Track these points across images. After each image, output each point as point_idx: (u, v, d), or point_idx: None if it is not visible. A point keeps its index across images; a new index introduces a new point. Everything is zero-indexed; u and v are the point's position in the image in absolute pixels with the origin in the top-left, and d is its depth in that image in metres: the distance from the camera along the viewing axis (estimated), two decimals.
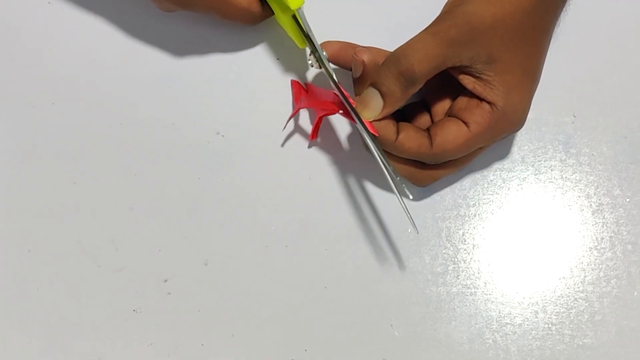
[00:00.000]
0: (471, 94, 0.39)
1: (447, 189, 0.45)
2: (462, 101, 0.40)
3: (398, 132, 0.39)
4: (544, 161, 0.45)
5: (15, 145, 0.46)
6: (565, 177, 0.45)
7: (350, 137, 0.45)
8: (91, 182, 0.45)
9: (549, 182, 0.45)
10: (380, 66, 0.38)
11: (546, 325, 0.43)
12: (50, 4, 0.48)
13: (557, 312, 0.43)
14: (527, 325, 0.43)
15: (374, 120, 0.38)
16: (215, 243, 0.45)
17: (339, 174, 0.45)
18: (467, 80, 0.38)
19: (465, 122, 0.38)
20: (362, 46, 0.41)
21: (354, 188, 0.45)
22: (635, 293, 0.43)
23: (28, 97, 0.47)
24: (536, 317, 0.43)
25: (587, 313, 0.43)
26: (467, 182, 0.45)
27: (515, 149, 0.45)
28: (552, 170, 0.45)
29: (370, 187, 0.45)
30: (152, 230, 0.45)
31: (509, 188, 0.45)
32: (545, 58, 0.40)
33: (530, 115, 0.45)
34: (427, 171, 0.41)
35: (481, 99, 0.38)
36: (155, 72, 0.47)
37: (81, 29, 0.47)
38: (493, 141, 0.40)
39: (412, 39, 0.37)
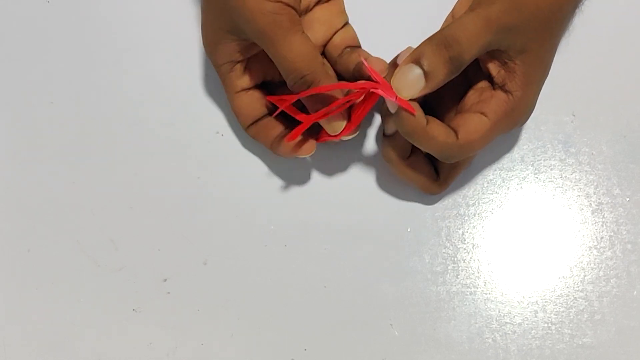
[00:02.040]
0: (482, 87, 0.39)
1: (447, 188, 0.45)
2: (473, 96, 0.40)
3: (427, 121, 0.37)
4: (544, 160, 0.45)
5: (15, 144, 0.46)
6: (565, 177, 0.45)
7: (350, 138, 0.45)
8: (90, 182, 0.46)
9: (549, 181, 0.45)
10: (427, 45, 0.36)
11: (546, 325, 0.43)
12: (50, 4, 0.48)
13: (556, 311, 0.43)
14: (527, 324, 0.43)
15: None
16: (214, 243, 0.45)
17: (339, 174, 0.45)
18: (493, 66, 0.38)
19: (482, 113, 0.38)
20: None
21: (354, 188, 0.45)
22: (635, 292, 0.43)
23: (27, 97, 0.47)
24: (536, 317, 0.43)
25: (587, 312, 0.43)
26: (466, 181, 0.45)
27: (514, 148, 0.45)
28: (551, 169, 0.45)
29: (370, 187, 0.45)
30: (151, 229, 0.45)
31: (508, 187, 0.45)
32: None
33: None
34: (441, 185, 0.42)
35: (495, 88, 0.38)
36: (155, 72, 0.47)
37: (81, 29, 0.48)
38: (506, 131, 0.40)
39: (462, 20, 0.36)
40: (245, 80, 0.41)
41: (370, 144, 0.45)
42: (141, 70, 0.47)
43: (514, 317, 0.43)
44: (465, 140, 0.38)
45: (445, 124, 0.38)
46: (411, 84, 0.36)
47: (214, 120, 0.46)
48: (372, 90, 0.36)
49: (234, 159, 0.46)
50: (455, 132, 0.38)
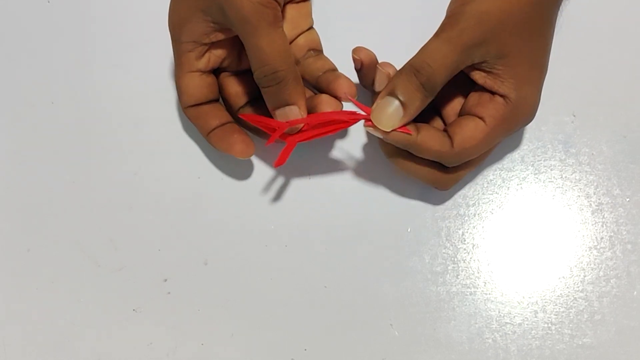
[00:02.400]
0: (482, 90, 0.39)
1: None
2: (473, 98, 0.40)
3: (418, 131, 0.38)
4: (544, 161, 0.45)
5: (15, 144, 0.46)
6: (565, 177, 0.45)
7: (350, 138, 0.45)
8: (90, 182, 0.46)
9: (549, 181, 0.45)
10: (398, 76, 0.38)
11: (546, 325, 0.43)
12: (50, 4, 0.48)
13: (556, 311, 0.43)
14: (527, 324, 0.43)
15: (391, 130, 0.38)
16: (214, 243, 0.45)
17: (339, 174, 0.45)
18: (478, 76, 0.38)
19: (480, 118, 0.38)
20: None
21: (354, 188, 0.45)
22: (635, 292, 0.43)
23: (27, 97, 0.47)
24: (536, 317, 0.43)
25: (587, 312, 0.43)
26: (466, 181, 0.45)
27: (514, 148, 0.45)
28: (551, 169, 0.45)
29: (370, 187, 0.45)
30: (151, 229, 0.45)
31: (508, 187, 0.45)
32: (550, 48, 0.40)
33: None
34: (450, 174, 0.41)
35: (493, 93, 0.38)
36: (155, 72, 0.47)
37: (81, 28, 0.48)
38: (508, 134, 0.40)
39: (426, 47, 0.37)
40: (202, 63, 0.41)
41: (370, 144, 0.45)
42: (141, 70, 0.47)
43: (514, 317, 0.43)
44: (461, 147, 0.38)
45: (439, 130, 0.39)
46: (391, 116, 0.37)
47: None
48: (364, 119, 0.38)
49: (234, 159, 0.45)
50: (451, 138, 0.38)
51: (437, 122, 0.42)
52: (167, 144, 0.46)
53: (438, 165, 0.41)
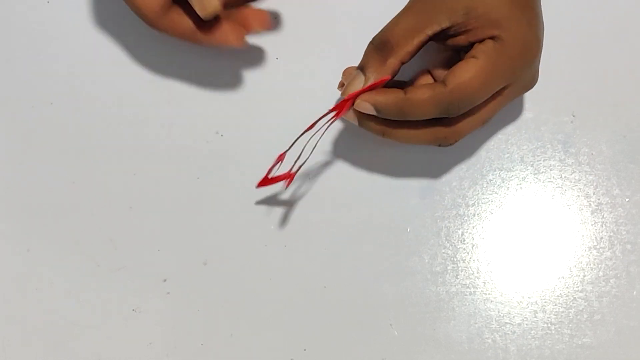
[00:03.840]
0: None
1: (447, 189, 0.45)
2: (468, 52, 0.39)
3: (406, 91, 0.38)
4: (543, 161, 0.45)
5: (14, 144, 0.46)
6: (565, 177, 0.45)
7: (349, 138, 0.45)
8: (90, 182, 0.46)
9: (548, 181, 0.45)
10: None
11: (545, 325, 0.43)
12: (50, 4, 0.48)
13: (556, 311, 0.43)
14: (527, 324, 0.43)
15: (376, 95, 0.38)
16: (214, 243, 0.45)
17: (339, 173, 0.45)
18: (459, 40, 0.38)
19: (472, 57, 0.37)
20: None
21: (354, 188, 0.45)
22: (634, 292, 0.43)
23: (27, 97, 0.47)
24: (535, 317, 0.43)
25: (586, 312, 0.43)
26: (466, 181, 0.45)
27: (514, 148, 0.45)
28: (551, 169, 0.45)
29: (370, 187, 0.45)
30: (151, 229, 0.45)
31: (508, 187, 0.45)
32: None
33: (529, 115, 0.45)
34: (451, 127, 0.39)
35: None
36: (155, 72, 0.47)
37: (80, 28, 0.48)
38: (508, 72, 0.38)
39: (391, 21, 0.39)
40: None
41: (370, 144, 0.45)
42: (141, 70, 0.47)
43: (513, 317, 0.43)
44: (454, 83, 0.36)
45: (429, 83, 0.38)
46: (354, 79, 0.39)
47: (213, 120, 0.46)
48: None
49: (234, 159, 0.46)
50: (445, 81, 0.37)
51: None
52: (167, 144, 0.46)
53: (436, 122, 0.39)
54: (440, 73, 0.40)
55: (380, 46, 0.38)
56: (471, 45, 0.38)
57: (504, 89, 0.38)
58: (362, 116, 0.39)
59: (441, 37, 0.38)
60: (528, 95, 0.46)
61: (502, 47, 0.37)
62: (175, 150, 0.46)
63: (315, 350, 0.43)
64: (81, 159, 0.46)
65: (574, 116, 0.46)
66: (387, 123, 0.39)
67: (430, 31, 0.37)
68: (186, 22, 0.40)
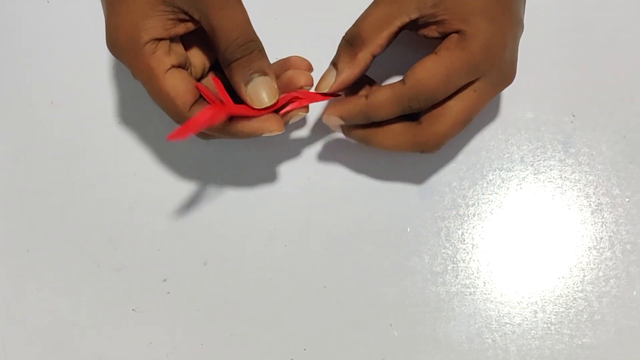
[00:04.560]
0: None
1: (447, 189, 0.45)
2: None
3: (368, 96, 0.39)
4: (543, 161, 0.45)
5: (14, 144, 0.46)
6: (565, 177, 0.45)
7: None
8: (90, 182, 0.46)
9: (548, 181, 0.45)
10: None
11: (545, 325, 0.43)
12: (49, 4, 0.48)
13: (556, 311, 0.43)
14: (526, 324, 0.43)
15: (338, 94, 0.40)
16: (214, 243, 0.45)
17: (339, 173, 0.45)
18: (430, 31, 0.38)
19: (435, 54, 0.38)
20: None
21: (353, 188, 0.45)
22: (634, 292, 0.43)
23: (27, 97, 0.47)
24: (535, 317, 0.43)
25: (586, 312, 0.43)
26: (466, 181, 0.45)
27: (514, 148, 0.45)
28: (551, 169, 0.45)
29: (370, 187, 0.45)
30: (151, 229, 0.45)
31: (508, 188, 0.45)
32: None
33: (529, 115, 0.45)
34: (429, 130, 0.39)
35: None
36: None
37: (80, 28, 0.48)
38: (470, 68, 0.38)
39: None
40: (173, 58, 0.38)
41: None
42: None
43: (513, 317, 0.43)
44: (413, 80, 0.37)
45: (390, 84, 0.39)
46: (326, 76, 0.40)
47: None
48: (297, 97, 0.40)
49: (234, 159, 0.46)
50: (404, 79, 0.38)
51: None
52: (167, 144, 0.46)
53: (410, 125, 0.40)
54: None
55: (351, 40, 0.39)
56: (442, 37, 0.38)
57: (471, 84, 0.38)
58: (344, 127, 0.41)
59: (413, 27, 0.39)
60: (528, 95, 0.46)
61: (464, 43, 0.37)
62: (175, 150, 0.46)
63: (315, 350, 0.43)
64: (81, 159, 0.46)
65: (574, 116, 0.46)
66: (367, 131, 0.40)
67: (399, 22, 0.38)
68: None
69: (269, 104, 0.38)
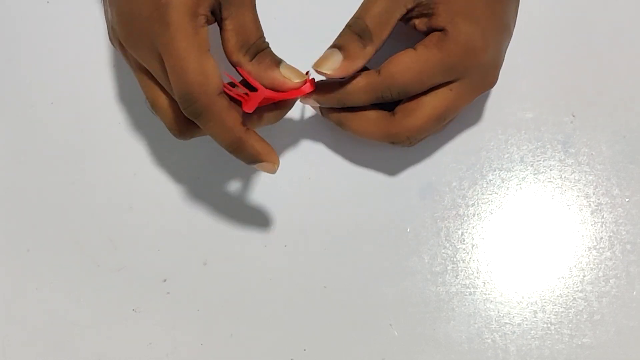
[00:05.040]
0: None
1: (446, 189, 0.45)
2: None
3: (342, 82, 0.40)
4: (543, 161, 0.45)
5: (14, 144, 0.46)
6: (564, 177, 0.45)
7: (349, 138, 0.45)
8: (90, 182, 0.46)
9: (548, 181, 0.45)
10: (339, 35, 0.39)
11: (545, 325, 0.43)
12: (49, 4, 0.48)
13: (556, 311, 0.43)
14: (526, 324, 0.43)
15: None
16: (214, 243, 0.45)
17: (339, 174, 0.45)
18: (420, 24, 0.39)
19: (412, 49, 0.38)
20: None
21: (353, 188, 0.45)
22: (634, 292, 0.43)
23: (27, 97, 0.47)
24: (535, 317, 0.43)
25: (586, 313, 0.43)
26: (466, 181, 0.45)
27: (514, 148, 0.45)
28: (551, 169, 0.45)
29: (370, 187, 0.45)
30: (151, 229, 0.45)
31: (507, 188, 0.45)
32: None
33: (529, 115, 0.45)
34: (401, 123, 0.40)
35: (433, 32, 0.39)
36: None
37: (80, 28, 0.48)
38: (447, 68, 0.38)
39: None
40: (208, 40, 0.37)
41: (369, 144, 0.45)
42: None
43: (513, 317, 0.43)
44: (388, 72, 0.38)
45: (366, 72, 0.39)
46: (330, 59, 0.39)
47: None
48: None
49: (234, 159, 0.45)
50: (379, 70, 0.39)
51: None
52: (167, 144, 0.46)
53: (384, 115, 0.41)
54: None
55: (360, 32, 0.38)
56: (427, 33, 0.39)
57: (449, 84, 0.39)
58: (322, 108, 0.42)
59: (406, 18, 0.39)
60: (528, 95, 0.46)
61: (443, 42, 0.38)
62: (175, 150, 0.46)
63: (315, 350, 0.43)
64: (81, 159, 0.46)
65: (573, 116, 0.46)
66: (343, 115, 0.41)
67: (399, 14, 0.38)
68: (238, 117, 0.38)
69: (301, 83, 0.39)
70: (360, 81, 0.39)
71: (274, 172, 0.39)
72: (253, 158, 0.38)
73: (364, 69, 0.41)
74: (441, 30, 0.38)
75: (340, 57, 0.39)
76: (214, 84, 0.36)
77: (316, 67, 0.39)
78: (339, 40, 0.39)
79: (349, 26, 0.39)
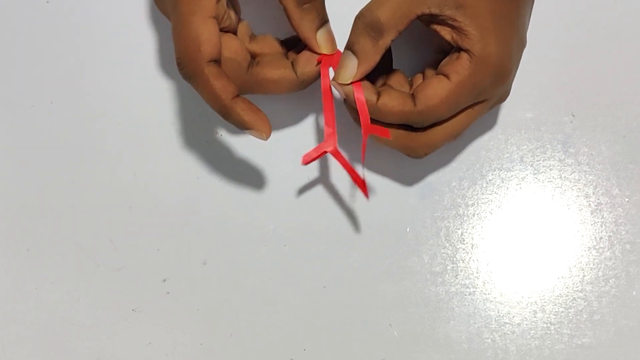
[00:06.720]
0: (451, 51, 0.39)
1: (446, 189, 0.45)
2: (444, 61, 0.39)
3: (380, 96, 0.38)
4: (543, 161, 0.45)
5: (14, 144, 0.46)
6: (564, 177, 0.45)
7: (349, 138, 0.45)
8: (90, 182, 0.46)
9: (548, 181, 0.45)
10: (351, 28, 0.38)
11: (545, 325, 0.43)
12: (50, 4, 0.48)
13: (555, 311, 0.43)
14: (526, 324, 0.43)
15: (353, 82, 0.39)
16: (214, 243, 0.45)
17: (338, 173, 0.45)
18: (444, 31, 0.38)
19: (445, 76, 0.38)
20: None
21: (353, 188, 0.45)
22: (634, 292, 0.43)
23: (27, 97, 0.47)
24: (535, 317, 0.43)
25: (586, 312, 0.43)
26: (465, 181, 0.45)
27: (514, 148, 0.45)
28: (550, 169, 0.45)
29: (370, 187, 0.45)
30: (151, 229, 0.45)
31: (507, 187, 0.45)
32: (526, 5, 0.39)
33: (529, 115, 0.45)
34: (421, 139, 0.40)
35: (459, 50, 0.38)
36: (155, 72, 0.47)
37: (80, 28, 0.48)
38: (477, 94, 0.38)
39: None
40: (219, 9, 0.37)
41: (370, 144, 0.45)
42: (141, 70, 0.47)
43: (513, 317, 0.43)
44: (424, 105, 0.38)
45: (401, 92, 0.39)
46: (347, 65, 0.38)
47: (213, 120, 0.46)
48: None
49: (234, 159, 0.46)
50: (415, 97, 0.38)
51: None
52: (166, 145, 0.46)
53: (408, 129, 0.40)
54: (429, 73, 0.41)
55: (371, 25, 0.37)
56: (450, 45, 0.38)
57: (475, 104, 0.39)
58: (346, 101, 0.41)
59: (426, 20, 0.38)
60: (528, 96, 0.46)
61: (474, 65, 0.37)
62: (175, 150, 0.46)
63: (315, 350, 0.43)
64: (81, 159, 0.46)
65: (573, 116, 0.46)
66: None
67: (419, 11, 0.37)
68: (231, 85, 0.38)
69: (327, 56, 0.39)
70: (395, 107, 0.38)
71: (264, 139, 0.39)
72: (240, 126, 0.38)
73: (389, 62, 0.41)
74: (468, 51, 0.37)
75: (355, 62, 0.38)
76: (206, 51, 0.36)
77: (337, 80, 0.38)
78: (352, 39, 0.38)
79: (359, 18, 0.38)
